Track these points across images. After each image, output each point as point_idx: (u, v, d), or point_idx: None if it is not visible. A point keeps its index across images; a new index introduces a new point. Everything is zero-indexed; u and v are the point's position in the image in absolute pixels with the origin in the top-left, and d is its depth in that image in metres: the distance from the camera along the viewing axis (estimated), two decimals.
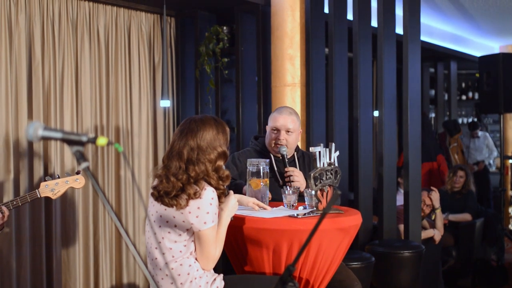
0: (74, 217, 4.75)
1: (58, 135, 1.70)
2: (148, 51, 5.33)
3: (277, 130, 3.68)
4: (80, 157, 1.67)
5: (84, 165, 1.66)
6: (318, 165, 3.23)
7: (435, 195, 5.37)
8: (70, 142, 1.70)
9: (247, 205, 3.25)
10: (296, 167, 3.76)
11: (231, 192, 2.96)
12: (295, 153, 3.82)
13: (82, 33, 4.82)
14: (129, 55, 5.18)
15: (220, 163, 2.84)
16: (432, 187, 5.48)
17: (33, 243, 4.51)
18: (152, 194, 2.83)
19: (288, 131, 3.67)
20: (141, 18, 5.27)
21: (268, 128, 3.77)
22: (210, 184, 2.81)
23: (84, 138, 1.70)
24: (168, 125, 5.51)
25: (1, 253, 4.34)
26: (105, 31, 5.00)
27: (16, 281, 4.40)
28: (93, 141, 1.70)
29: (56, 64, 4.65)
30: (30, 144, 4.50)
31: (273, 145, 3.69)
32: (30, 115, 4.52)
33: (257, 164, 3.33)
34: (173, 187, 2.73)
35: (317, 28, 4.96)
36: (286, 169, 3.60)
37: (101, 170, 4.97)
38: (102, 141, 1.68)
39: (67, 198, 4.71)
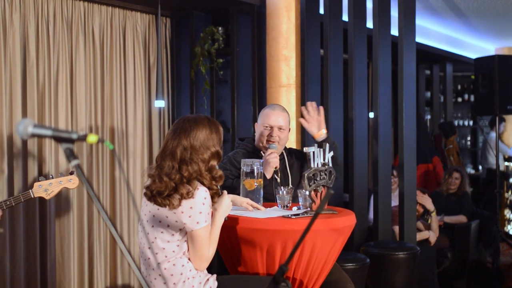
0: (68, 217, 4.74)
1: (48, 132, 1.69)
2: (143, 52, 5.32)
3: (270, 127, 3.68)
4: (70, 154, 1.66)
5: (74, 162, 1.65)
6: (312, 165, 3.22)
7: (427, 200, 5.36)
8: (60, 140, 1.69)
9: (241, 205, 3.24)
10: (285, 163, 3.77)
11: (225, 192, 2.95)
12: (283, 151, 3.82)
13: (77, 33, 4.81)
14: (124, 55, 5.17)
15: (214, 163, 2.83)
16: (421, 191, 5.46)
17: (27, 243, 4.50)
18: (145, 194, 2.82)
19: (280, 128, 3.68)
20: (136, 18, 5.26)
21: (259, 125, 3.76)
22: (203, 184, 2.80)
23: (74, 136, 1.69)
24: (163, 125, 5.50)
25: None
26: (100, 31, 4.99)
27: (10, 282, 4.38)
28: (83, 138, 1.69)
29: (50, 64, 4.63)
30: (25, 144, 4.48)
31: (264, 142, 3.69)
32: (24, 115, 4.50)
33: (251, 165, 3.33)
34: (166, 187, 2.72)
35: (312, 29, 4.95)
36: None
37: (96, 171, 4.96)
38: (92, 138, 1.67)
39: (61, 199, 4.70)
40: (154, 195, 2.76)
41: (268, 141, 3.67)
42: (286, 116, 3.74)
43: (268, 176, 3.57)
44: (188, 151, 2.78)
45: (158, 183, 2.75)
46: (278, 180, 3.66)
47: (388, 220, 5.05)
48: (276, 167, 3.58)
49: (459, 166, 7.49)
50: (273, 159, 3.55)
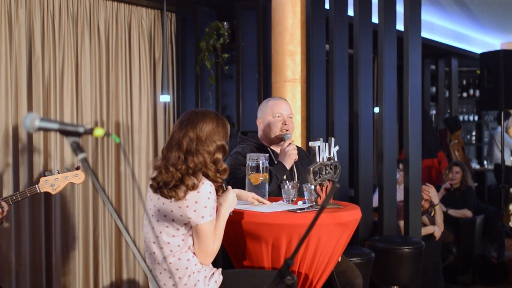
0: (73, 212, 4.75)
1: (55, 126, 1.69)
2: (149, 47, 5.33)
3: (281, 116, 3.70)
4: (77, 148, 1.66)
5: (80, 156, 1.65)
6: (317, 159, 3.23)
7: (432, 191, 5.34)
8: (67, 133, 1.69)
9: (246, 200, 3.24)
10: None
11: (229, 187, 2.96)
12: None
13: (82, 28, 4.81)
14: (129, 50, 5.18)
15: (219, 156, 2.84)
16: (427, 184, 5.45)
17: (33, 238, 4.51)
18: (151, 186, 2.83)
19: (290, 116, 3.75)
20: (141, 13, 5.27)
21: (265, 116, 3.74)
22: (207, 176, 2.80)
23: (81, 129, 1.69)
24: (168, 120, 5.51)
25: (1, 249, 4.34)
26: (106, 26, 5.00)
27: (15, 276, 4.40)
28: (90, 132, 1.69)
29: (56, 59, 4.64)
30: (30, 138, 4.50)
31: (278, 132, 3.69)
32: (30, 110, 4.52)
33: (257, 159, 3.33)
34: (172, 177, 2.73)
35: (317, 24, 4.95)
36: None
37: (101, 165, 4.97)
38: (99, 132, 1.67)
39: (67, 194, 4.71)
40: (161, 186, 2.76)
41: (282, 130, 3.70)
42: (289, 104, 3.84)
43: (288, 167, 3.62)
44: (194, 142, 2.79)
45: (165, 173, 2.75)
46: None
47: (393, 215, 5.05)
48: (295, 159, 3.63)
49: (458, 160, 7.47)
50: (293, 151, 3.61)
